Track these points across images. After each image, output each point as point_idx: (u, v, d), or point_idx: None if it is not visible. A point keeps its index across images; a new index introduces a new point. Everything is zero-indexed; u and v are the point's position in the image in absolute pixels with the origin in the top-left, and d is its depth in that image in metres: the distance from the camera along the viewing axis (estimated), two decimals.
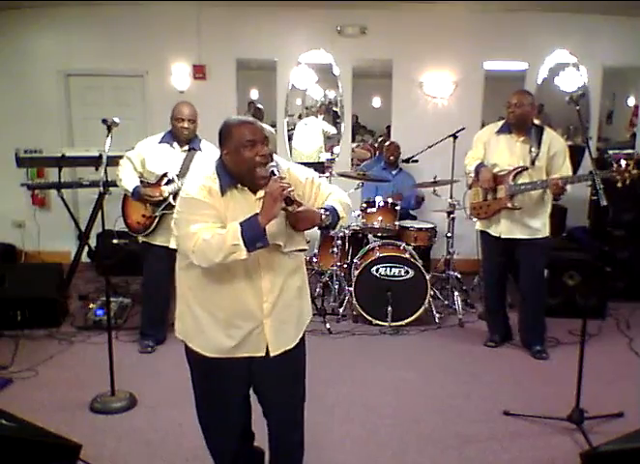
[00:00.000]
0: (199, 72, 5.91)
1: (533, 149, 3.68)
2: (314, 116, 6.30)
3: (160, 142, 3.84)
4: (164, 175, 3.78)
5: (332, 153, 6.24)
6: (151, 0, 5.66)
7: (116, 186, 3.84)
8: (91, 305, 4.42)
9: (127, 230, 4.02)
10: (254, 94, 6.37)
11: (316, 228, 2.01)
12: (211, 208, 1.91)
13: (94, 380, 3.30)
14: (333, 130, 6.27)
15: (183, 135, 3.81)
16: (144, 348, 3.96)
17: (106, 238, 4.09)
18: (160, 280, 3.94)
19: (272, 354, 2.03)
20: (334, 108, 6.24)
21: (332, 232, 2.06)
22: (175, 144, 3.83)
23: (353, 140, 6.36)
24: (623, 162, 3.20)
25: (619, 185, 3.23)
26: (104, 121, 3.20)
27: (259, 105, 6.22)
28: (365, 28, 5.90)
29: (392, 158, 5.58)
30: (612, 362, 3.77)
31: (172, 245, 3.85)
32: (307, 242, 2.21)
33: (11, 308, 4.15)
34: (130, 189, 3.76)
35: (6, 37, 5.86)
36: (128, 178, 3.79)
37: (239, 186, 1.95)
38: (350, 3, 5.64)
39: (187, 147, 3.85)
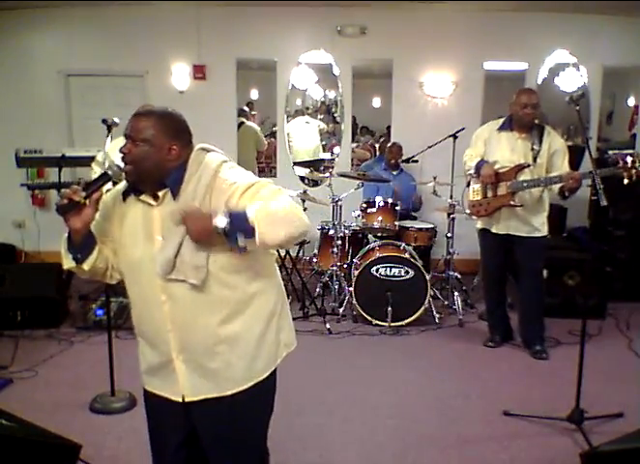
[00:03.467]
0: (199, 72, 5.92)
1: (534, 146, 3.67)
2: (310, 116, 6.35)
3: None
4: None
5: (332, 153, 6.25)
6: (151, 0, 5.67)
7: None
8: (91, 305, 4.42)
9: None
10: (254, 94, 6.38)
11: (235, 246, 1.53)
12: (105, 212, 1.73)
13: (94, 380, 3.30)
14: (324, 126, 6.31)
15: None
16: None
17: None
18: None
19: (186, 399, 1.71)
20: (334, 108, 6.26)
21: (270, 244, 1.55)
22: None
23: (353, 140, 6.37)
24: (629, 159, 3.20)
25: (625, 181, 3.22)
26: (104, 121, 3.21)
27: (244, 107, 6.27)
28: (365, 28, 5.90)
29: (392, 161, 5.57)
30: (612, 362, 3.77)
31: None
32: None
33: (11, 308, 4.14)
34: None
35: (6, 37, 5.86)
36: None
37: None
38: (350, 3, 5.64)
39: None
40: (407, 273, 4.38)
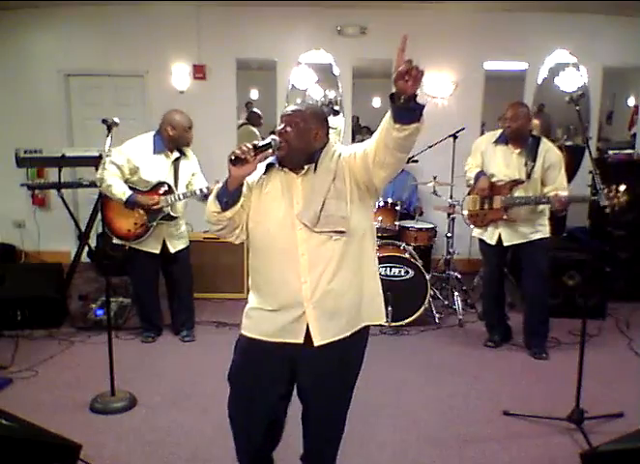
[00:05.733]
0: (199, 72, 5.92)
1: (528, 162, 3.70)
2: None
3: (155, 153, 3.80)
4: (160, 184, 3.79)
5: None
6: (151, 0, 5.67)
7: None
8: (91, 305, 4.42)
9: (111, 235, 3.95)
10: (254, 94, 6.38)
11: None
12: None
13: (94, 380, 3.30)
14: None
15: (189, 144, 3.88)
16: (145, 338, 4.11)
17: (106, 238, 4.09)
18: (149, 282, 4.05)
19: (316, 343, 1.97)
20: (336, 107, 6.24)
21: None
22: (169, 153, 3.85)
23: (353, 140, 6.36)
24: (613, 187, 3.18)
25: (607, 210, 3.20)
26: (104, 121, 3.19)
27: (256, 109, 6.24)
28: (365, 28, 5.91)
29: None
30: (612, 362, 3.78)
31: (157, 250, 3.90)
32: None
33: (11, 308, 4.15)
34: (125, 198, 3.72)
35: (6, 37, 5.87)
36: (118, 185, 3.72)
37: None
38: (350, 3, 5.64)
39: (177, 154, 3.86)
40: (407, 273, 4.38)
